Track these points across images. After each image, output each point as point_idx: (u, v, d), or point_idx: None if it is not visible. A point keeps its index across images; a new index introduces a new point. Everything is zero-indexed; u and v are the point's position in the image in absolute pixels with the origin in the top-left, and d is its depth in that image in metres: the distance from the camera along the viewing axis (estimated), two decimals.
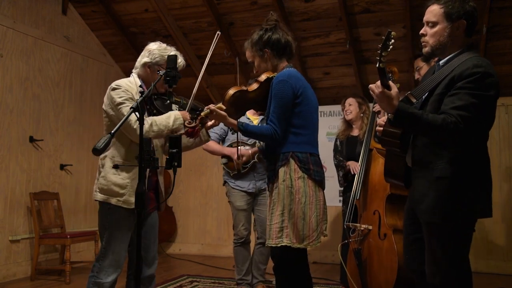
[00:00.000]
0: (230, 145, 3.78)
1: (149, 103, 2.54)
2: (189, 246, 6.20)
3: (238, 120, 2.43)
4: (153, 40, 4.59)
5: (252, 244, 3.94)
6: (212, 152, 3.85)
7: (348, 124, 4.05)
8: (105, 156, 2.45)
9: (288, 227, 2.32)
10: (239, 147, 3.57)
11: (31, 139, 4.75)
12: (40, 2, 4.94)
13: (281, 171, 2.36)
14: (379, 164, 3.34)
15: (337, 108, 5.61)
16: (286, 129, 2.39)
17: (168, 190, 6.15)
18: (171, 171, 1.99)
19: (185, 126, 2.44)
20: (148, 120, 2.38)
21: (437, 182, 2.01)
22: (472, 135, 1.97)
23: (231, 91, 2.45)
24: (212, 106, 2.38)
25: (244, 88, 2.51)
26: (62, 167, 5.10)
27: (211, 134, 3.81)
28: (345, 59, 5.29)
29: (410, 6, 4.42)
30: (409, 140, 2.18)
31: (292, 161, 2.36)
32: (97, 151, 1.91)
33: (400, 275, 2.97)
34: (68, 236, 4.42)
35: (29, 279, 4.47)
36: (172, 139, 2.07)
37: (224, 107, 2.39)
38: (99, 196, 2.44)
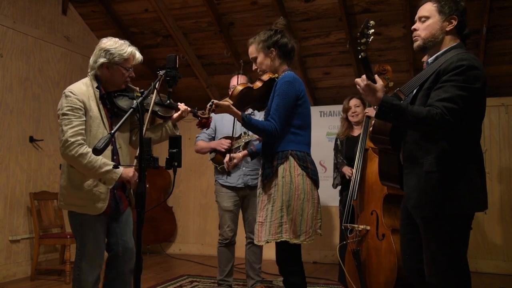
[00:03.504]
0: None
1: (109, 102, 2.51)
2: (189, 246, 6.20)
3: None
4: (153, 40, 4.61)
5: (242, 245, 3.92)
6: (201, 150, 3.81)
7: (349, 124, 4.05)
8: (65, 168, 2.50)
9: (287, 222, 2.40)
10: (231, 151, 3.55)
11: (31, 139, 4.75)
12: (40, 2, 4.94)
13: (281, 168, 2.45)
14: (375, 164, 3.33)
15: (337, 108, 5.61)
16: (285, 129, 2.48)
17: (168, 190, 6.17)
18: (171, 171, 1.99)
19: (199, 116, 2.55)
20: (86, 148, 2.34)
21: (426, 177, 2.02)
22: (461, 129, 1.98)
23: (239, 87, 2.55)
24: (215, 100, 2.46)
25: (250, 85, 2.60)
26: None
27: (201, 134, 3.83)
28: (345, 59, 5.29)
29: (410, 6, 4.42)
30: (400, 137, 2.19)
31: (291, 159, 2.45)
32: (97, 151, 1.91)
33: (400, 276, 2.97)
34: (68, 236, 4.41)
35: (29, 279, 4.47)
36: (172, 139, 2.08)
37: (231, 102, 2.48)
38: (65, 206, 2.49)
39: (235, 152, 3.62)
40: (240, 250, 4.00)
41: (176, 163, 2.03)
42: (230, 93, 3.72)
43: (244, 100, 2.57)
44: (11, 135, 4.56)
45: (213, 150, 3.74)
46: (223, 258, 3.73)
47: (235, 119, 3.72)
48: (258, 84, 2.60)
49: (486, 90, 2.03)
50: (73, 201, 2.44)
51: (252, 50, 2.64)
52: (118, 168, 2.38)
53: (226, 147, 3.64)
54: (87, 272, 2.42)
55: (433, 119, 1.91)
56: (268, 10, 4.90)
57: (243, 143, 3.63)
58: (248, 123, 2.42)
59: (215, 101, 2.44)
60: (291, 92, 2.46)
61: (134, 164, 2.46)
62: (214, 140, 3.83)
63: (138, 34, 5.60)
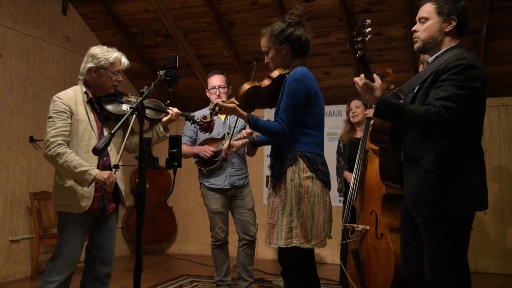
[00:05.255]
0: (201, 144, 3.70)
1: (99, 106, 2.59)
2: (189, 246, 6.20)
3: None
4: (153, 40, 4.57)
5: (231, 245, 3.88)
6: (183, 155, 3.59)
7: (352, 126, 4.06)
8: (55, 173, 2.57)
9: (297, 227, 2.32)
10: (231, 140, 3.44)
11: (31, 139, 4.75)
12: (40, 2, 4.94)
13: (289, 170, 2.36)
14: (375, 165, 3.36)
15: (337, 108, 5.61)
16: (295, 129, 2.38)
17: (168, 190, 6.17)
18: (171, 171, 1.99)
19: (201, 121, 2.52)
20: (67, 149, 2.43)
21: (426, 177, 2.02)
22: (460, 128, 1.98)
23: (246, 87, 2.46)
24: (220, 102, 2.40)
25: (257, 84, 2.51)
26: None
27: (183, 137, 3.70)
28: (345, 59, 5.30)
29: (410, 6, 4.43)
30: (400, 136, 2.19)
31: (301, 161, 2.36)
32: (97, 151, 1.91)
33: (397, 274, 2.97)
34: None
35: (29, 279, 4.47)
36: (172, 139, 2.08)
37: (237, 102, 2.40)
38: (55, 206, 2.56)
39: (219, 155, 3.59)
40: (231, 250, 3.97)
41: (176, 163, 2.03)
42: (216, 94, 3.70)
43: (251, 99, 2.48)
44: (11, 135, 4.56)
45: (196, 155, 3.67)
46: (218, 259, 3.71)
47: (225, 120, 3.70)
48: (266, 82, 2.50)
49: (486, 90, 2.03)
50: (60, 201, 2.50)
51: (264, 43, 2.52)
52: (94, 169, 2.43)
53: (208, 155, 3.57)
54: (59, 271, 2.45)
55: (430, 118, 1.91)
56: (268, 10, 4.91)
57: (226, 144, 3.59)
58: (255, 125, 2.34)
59: (219, 103, 2.38)
60: (299, 91, 2.34)
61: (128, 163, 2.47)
62: (196, 141, 3.77)
63: (138, 34, 5.61)
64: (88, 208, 2.47)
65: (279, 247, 2.37)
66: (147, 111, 2.65)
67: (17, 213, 4.58)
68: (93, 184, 2.47)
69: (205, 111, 3.73)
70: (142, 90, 2.33)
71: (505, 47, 4.78)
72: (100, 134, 2.57)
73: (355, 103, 4.03)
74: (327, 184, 2.41)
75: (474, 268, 4.80)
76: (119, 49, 2.66)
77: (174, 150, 2.04)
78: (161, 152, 3.50)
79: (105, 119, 2.62)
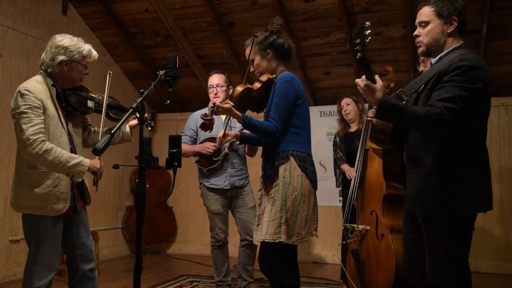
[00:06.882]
0: (201, 143, 3.68)
1: (64, 100, 2.47)
2: (189, 246, 6.20)
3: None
4: (153, 40, 4.52)
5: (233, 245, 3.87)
6: (184, 154, 3.55)
7: (346, 122, 4.12)
8: (21, 169, 2.42)
9: (285, 223, 2.40)
10: (226, 130, 3.39)
11: None
12: (40, 2, 4.94)
13: (281, 169, 2.44)
14: (375, 164, 3.36)
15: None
16: (285, 129, 2.47)
17: (168, 190, 6.17)
18: (171, 171, 1.99)
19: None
20: (49, 144, 2.28)
21: (428, 177, 2.03)
22: (462, 129, 1.98)
23: (239, 88, 2.55)
24: (217, 102, 2.48)
25: (249, 86, 2.59)
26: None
27: (183, 136, 3.71)
28: (345, 59, 5.29)
29: (410, 6, 4.42)
30: (403, 137, 2.19)
31: (292, 159, 2.44)
32: (97, 151, 1.91)
33: (398, 275, 2.97)
34: None
35: None
36: (172, 139, 2.08)
37: (232, 103, 2.47)
38: (21, 209, 2.40)
39: (219, 155, 3.60)
40: (231, 250, 3.97)
41: (176, 163, 2.04)
42: (213, 93, 3.70)
43: (244, 101, 2.57)
44: (11, 135, 4.54)
45: (197, 154, 3.65)
46: (218, 259, 3.71)
47: (226, 120, 3.70)
48: (257, 85, 2.59)
49: (489, 90, 2.02)
50: (31, 203, 2.35)
51: (249, 52, 2.64)
52: (85, 159, 2.37)
53: (212, 150, 3.56)
54: (40, 276, 2.33)
55: (431, 119, 1.91)
56: (268, 10, 4.91)
57: (228, 144, 3.56)
58: (249, 124, 2.43)
59: (217, 103, 2.45)
60: (290, 92, 2.46)
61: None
62: (196, 141, 3.75)
63: (138, 34, 5.60)
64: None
65: (262, 243, 2.42)
66: (112, 111, 2.61)
67: (17, 213, 4.53)
68: (68, 185, 2.40)
69: (205, 111, 3.73)
70: (142, 90, 2.32)
71: (505, 47, 4.78)
72: (68, 130, 2.46)
73: (345, 100, 4.08)
74: (314, 184, 2.51)
75: (474, 268, 4.80)
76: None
77: (174, 150, 2.04)
78: (161, 152, 3.49)
79: (68, 113, 2.50)
